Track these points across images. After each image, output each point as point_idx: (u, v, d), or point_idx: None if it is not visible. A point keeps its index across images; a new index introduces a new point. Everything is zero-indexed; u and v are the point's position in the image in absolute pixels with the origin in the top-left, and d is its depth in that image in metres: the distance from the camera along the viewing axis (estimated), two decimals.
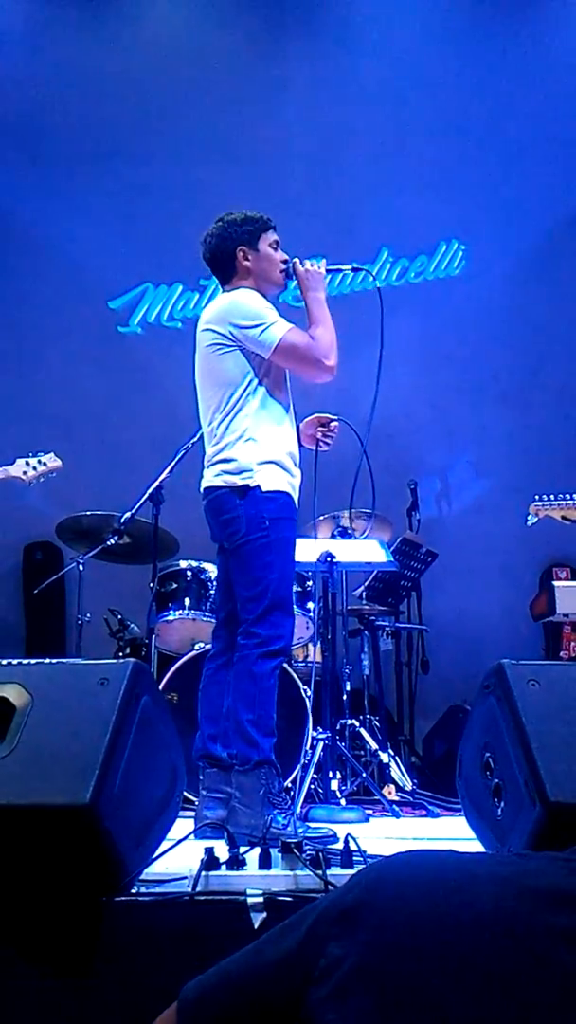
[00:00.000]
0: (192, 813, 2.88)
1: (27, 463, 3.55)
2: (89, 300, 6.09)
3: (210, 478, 2.90)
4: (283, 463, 2.88)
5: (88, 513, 4.46)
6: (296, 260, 3.03)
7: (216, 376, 2.92)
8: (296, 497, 2.93)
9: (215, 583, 4.28)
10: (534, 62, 6.27)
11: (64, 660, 2.10)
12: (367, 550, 4.16)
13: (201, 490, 2.94)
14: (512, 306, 6.17)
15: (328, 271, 3.07)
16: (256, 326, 2.83)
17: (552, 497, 4.21)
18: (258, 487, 2.80)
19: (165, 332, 6.17)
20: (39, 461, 3.57)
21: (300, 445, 3.14)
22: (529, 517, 4.25)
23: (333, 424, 3.20)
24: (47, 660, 2.04)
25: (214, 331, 2.90)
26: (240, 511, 2.80)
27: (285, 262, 3.04)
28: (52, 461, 3.59)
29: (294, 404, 3.02)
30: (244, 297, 2.92)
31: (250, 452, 2.83)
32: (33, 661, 2.01)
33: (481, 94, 6.24)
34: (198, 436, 3.59)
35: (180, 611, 4.27)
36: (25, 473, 3.55)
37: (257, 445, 2.83)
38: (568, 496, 4.21)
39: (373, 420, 3.13)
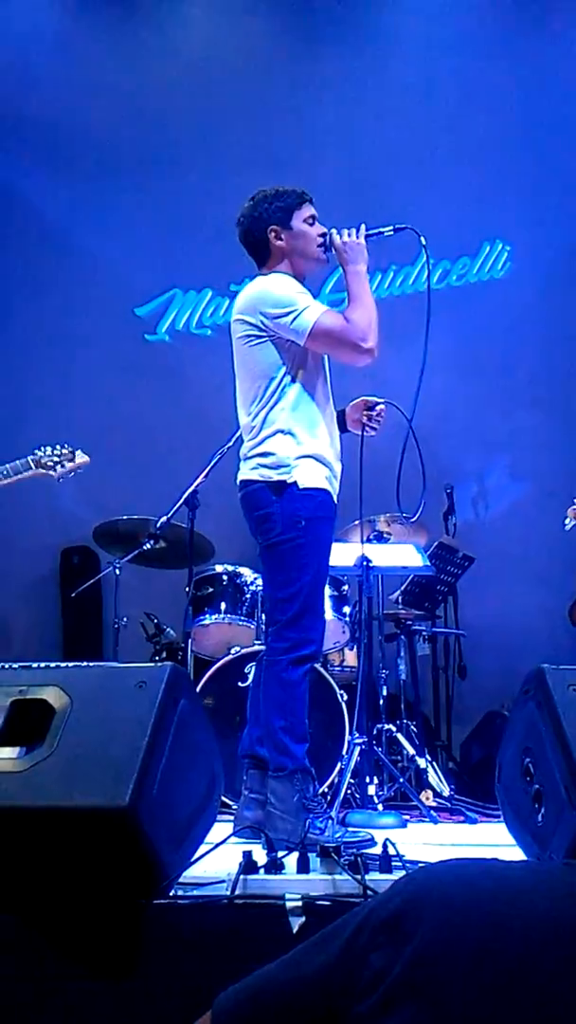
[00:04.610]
0: (230, 817, 2.88)
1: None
2: (116, 307, 6.09)
3: (246, 471, 2.82)
4: (322, 457, 2.79)
5: (124, 518, 4.49)
6: (333, 231, 2.88)
7: (250, 368, 2.83)
8: (336, 491, 2.84)
9: (250, 587, 4.30)
10: (568, 69, 6.19)
11: (102, 663, 2.10)
12: (403, 554, 4.14)
13: (237, 482, 2.87)
14: (550, 308, 6.09)
15: (368, 236, 2.89)
16: (287, 313, 2.72)
17: None
18: (295, 484, 2.72)
19: (194, 340, 6.14)
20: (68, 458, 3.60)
21: (345, 431, 3.06)
22: (567, 521, 4.21)
23: (379, 408, 3.07)
24: (85, 663, 2.05)
25: (245, 321, 2.80)
26: (275, 508, 2.72)
27: (323, 235, 2.88)
28: (80, 457, 3.61)
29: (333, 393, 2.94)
30: (273, 283, 2.81)
31: (288, 446, 2.74)
32: (71, 664, 2.03)
33: (524, 91, 6.16)
34: (233, 440, 3.60)
35: (216, 615, 4.28)
36: (54, 470, 3.57)
37: (295, 439, 2.75)
38: None
39: (408, 429, 3.08)
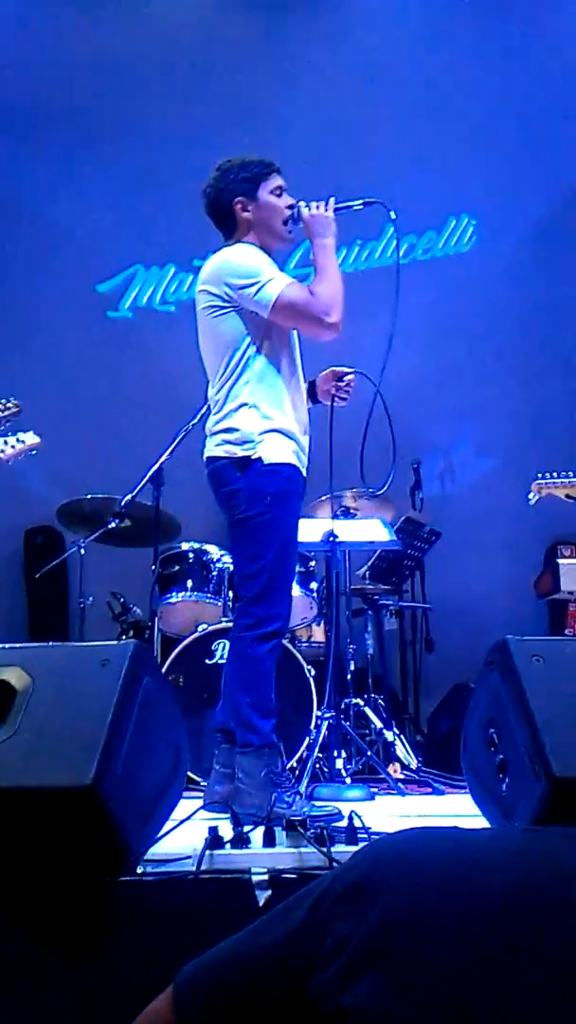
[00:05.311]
0: (197, 794, 2.88)
1: (4, 441, 3.50)
2: (78, 283, 6.01)
3: (212, 447, 2.78)
4: (289, 431, 2.75)
5: (89, 496, 4.44)
6: (302, 203, 2.82)
7: (215, 340, 2.79)
8: (304, 465, 2.81)
9: (216, 564, 4.28)
10: (545, 32, 6.16)
11: (65, 643, 2.09)
12: (370, 529, 4.15)
13: (204, 459, 2.84)
14: (517, 282, 6.11)
15: (337, 210, 2.84)
16: (252, 284, 2.67)
17: (555, 475, 4.18)
18: (260, 460, 2.68)
19: (158, 316, 6.09)
20: (17, 439, 3.52)
21: (316, 402, 3.03)
22: (531, 495, 4.22)
23: (349, 377, 3.04)
24: (48, 643, 2.03)
25: (209, 292, 2.76)
26: (240, 484, 2.69)
27: (291, 207, 2.84)
28: (31, 439, 3.54)
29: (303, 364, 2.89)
30: (238, 254, 2.77)
31: (253, 421, 2.70)
32: (34, 644, 2.01)
33: (491, 65, 6.13)
34: (198, 417, 3.57)
35: (183, 593, 4.27)
36: (3, 451, 3.50)
37: (260, 413, 2.71)
38: (570, 474, 4.18)
39: (377, 399, 3.06)
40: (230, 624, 3.48)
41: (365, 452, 3.15)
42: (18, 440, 3.51)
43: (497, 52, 6.16)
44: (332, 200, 2.86)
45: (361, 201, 2.93)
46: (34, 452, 3.56)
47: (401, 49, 6.17)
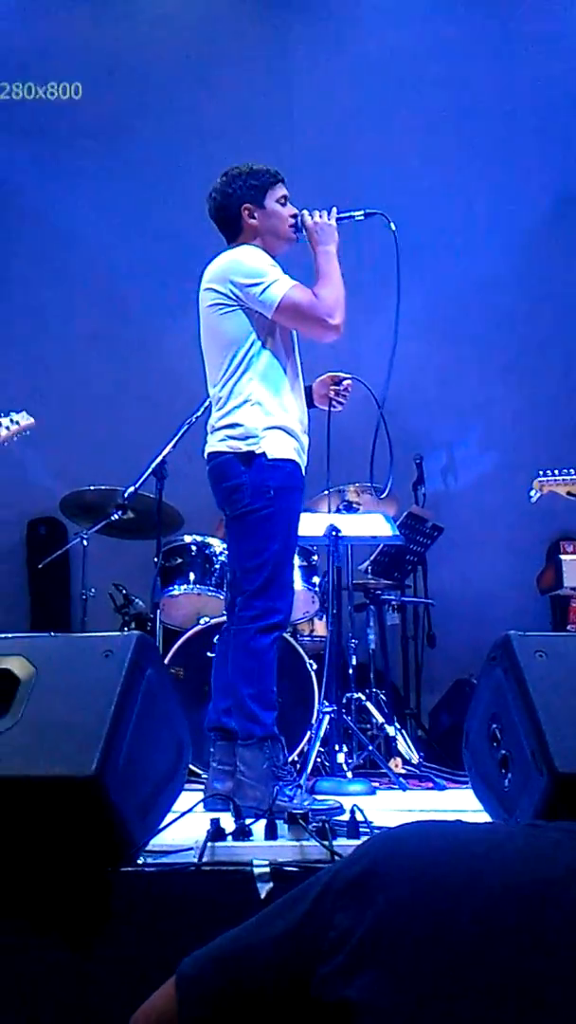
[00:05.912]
0: (198, 786, 2.88)
1: None
2: (89, 276, 6.02)
3: (214, 443, 2.82)
4: (290, 428, 2.79)
5: (92, 488, 4.44)
6: (305, 212, 2.90)
7: (219, 337, 2.83)
8: (304, 463, 2.85)
9: (219, 557, 4.29)
10: (537, 39, 6.13)
11: (69, 634, 2.10)
12: (373, 524, 4.14)
13: (204, 455, 2.87)
14: (519, 278, 6.09)
15: (339, 219, 2.92)
16: (257, 284, 2.73)
17: (556, 472, 4.19)
18: (263, 454, 2.72)
19: (163, 309, 6.10)
20: (11, 420, 3.51)
21: (312, 406, 3.07)
22: (532, 493, 4.23)
23: (346, 383, 3.10)
24: (51, 633, 2.03)
25: (215, 290, 2.81)
26: (244, 478, 2.72)
27: (294, 216, 2.91)
28: (24, 419, 3.53)
29: (302, 367, 2.93)
30: (245, 254, 2.82)
31: (256, 417, 2.74)
32: (37, 634, 2.01)
33: (492, 66, 6.10)
34: (202, 410, 3.57)
35: (185, 586, 4.26)
36: None
37: (263, 409, 2.75)
38: (571, 471, 4.19)
39: (379, 403, 3.07)
40: None
41: (366, 448, 3.16)
42: (12, 421, 3.51)
43: (497, 55, 6.13)
44: (335, 210, 2.94)
45: (362, 212, 3.00)
46: (27, 433, 3.55)
47: (401, 52, 6.13)
